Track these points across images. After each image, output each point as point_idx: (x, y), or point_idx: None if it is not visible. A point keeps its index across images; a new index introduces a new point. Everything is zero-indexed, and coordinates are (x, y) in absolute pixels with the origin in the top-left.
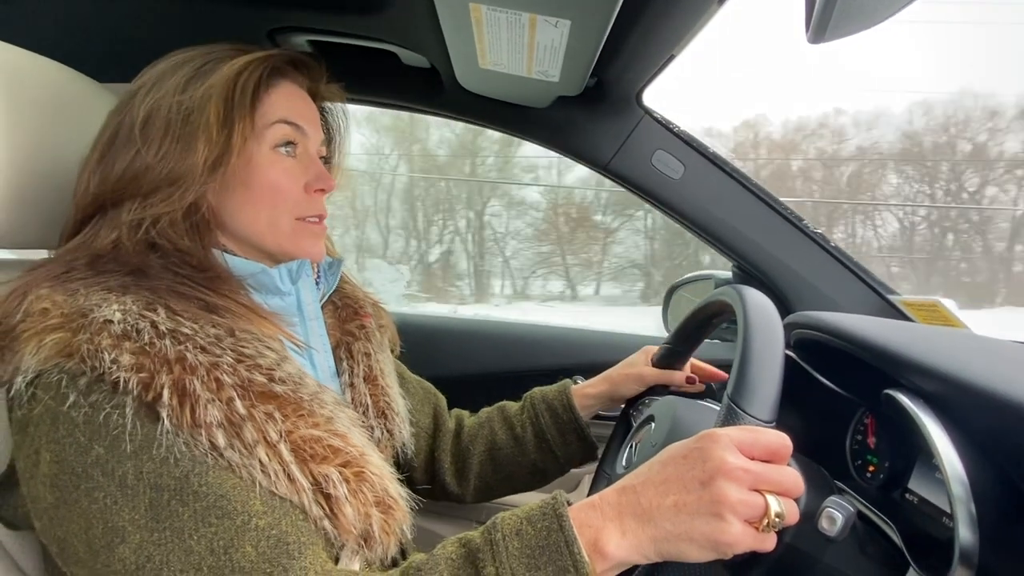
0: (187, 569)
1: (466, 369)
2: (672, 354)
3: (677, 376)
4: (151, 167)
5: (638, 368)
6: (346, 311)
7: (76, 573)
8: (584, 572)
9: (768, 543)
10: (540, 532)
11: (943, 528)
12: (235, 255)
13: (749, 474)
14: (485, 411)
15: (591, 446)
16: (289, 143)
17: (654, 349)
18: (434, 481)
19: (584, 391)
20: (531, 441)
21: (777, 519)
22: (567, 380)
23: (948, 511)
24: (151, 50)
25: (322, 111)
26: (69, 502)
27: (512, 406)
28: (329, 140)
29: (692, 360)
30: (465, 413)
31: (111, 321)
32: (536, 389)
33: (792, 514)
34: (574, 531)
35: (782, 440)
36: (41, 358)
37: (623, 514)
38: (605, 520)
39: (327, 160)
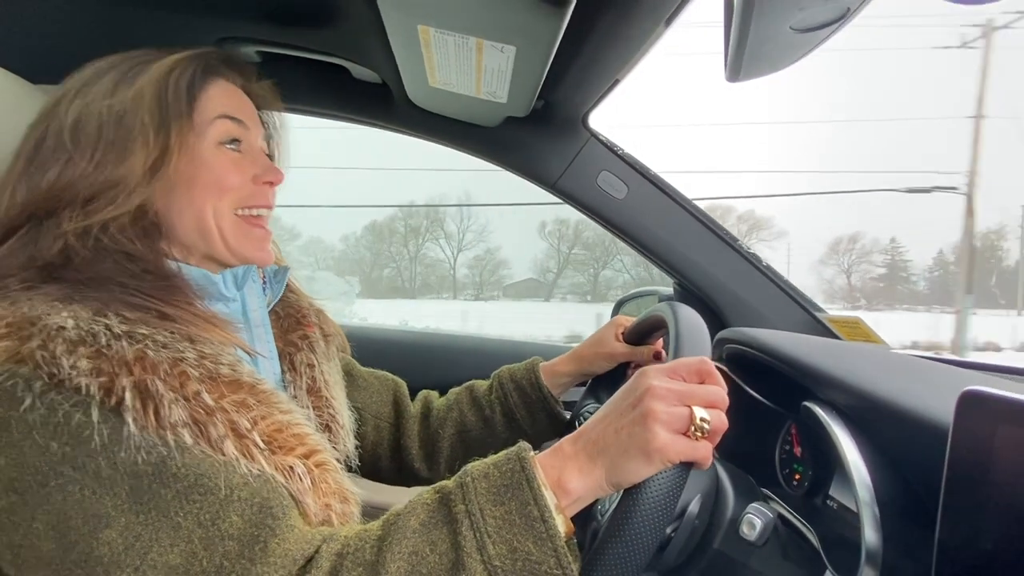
0: (177, 543)
1: (417, 383)
2: (642, 332)
3: (646, 352)
4: (86, 174)
5: (608, 347)
6: (288, 320)
7: None
8: (544, 504)
9: (701, 450)
10: (505, 473)
11: (856, 532)
12: (180, 262)
13: (673, 392)
14: (453, 392)
15: (561, 421)
16: (234, 140)
17: (626, 321)
18: (403, 468)
19: (554, 368)
20: (500, 421)
21: (704, 423)
22: (536, 357)
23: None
24: (93, 55)
25: (257, 110)
26: (36, 501)
27: (481, 386)
28: (268, 137)
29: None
30: (434, 395)
31: (64, 327)
32: (504, 367)
33: (719, 422)
34: (535, 470)
35: (702, 361)
36: None
37: (579, 454)
38: (565, 461)
39: (268, 157)
